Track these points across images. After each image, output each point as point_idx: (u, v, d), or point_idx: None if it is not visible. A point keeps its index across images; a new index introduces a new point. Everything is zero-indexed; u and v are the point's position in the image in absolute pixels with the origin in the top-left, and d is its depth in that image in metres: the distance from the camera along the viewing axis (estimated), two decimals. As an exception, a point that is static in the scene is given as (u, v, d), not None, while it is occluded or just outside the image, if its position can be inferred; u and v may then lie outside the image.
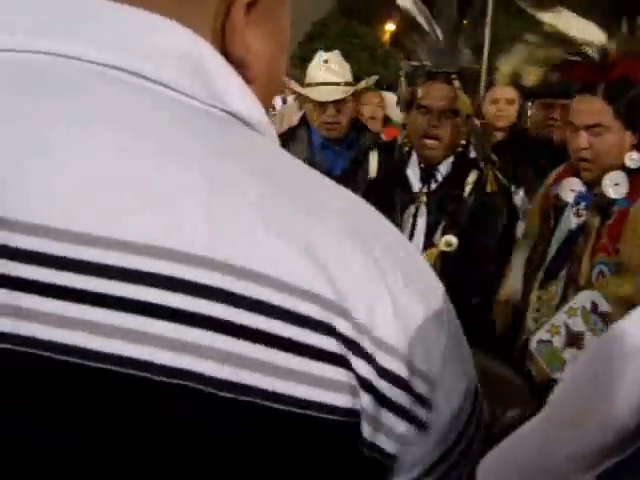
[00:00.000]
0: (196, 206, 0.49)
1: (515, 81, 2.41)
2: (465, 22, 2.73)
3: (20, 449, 0.47)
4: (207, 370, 0.48)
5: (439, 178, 2.58)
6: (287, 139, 3.44)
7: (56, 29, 0.55)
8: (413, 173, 2.61)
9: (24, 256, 0.47)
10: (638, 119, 2.19)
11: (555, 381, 2.03)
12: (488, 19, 17.00)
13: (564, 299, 2.18)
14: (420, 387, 0.54)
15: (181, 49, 0.56)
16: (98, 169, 0.49)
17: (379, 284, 0.53)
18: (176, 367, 0.47)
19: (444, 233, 2.50)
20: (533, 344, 2.10)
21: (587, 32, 2.24)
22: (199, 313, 0.48)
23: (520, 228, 2.73)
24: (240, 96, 0.59)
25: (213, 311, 0.48)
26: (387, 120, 5.04)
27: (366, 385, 0.51)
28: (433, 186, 2.58)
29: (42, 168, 0.48)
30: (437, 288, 0.59)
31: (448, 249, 2.46)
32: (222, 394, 0.48)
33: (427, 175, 2.58)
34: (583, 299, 2.04)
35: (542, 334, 2.08)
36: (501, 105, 4.04)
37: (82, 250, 0.47)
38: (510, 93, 4.00)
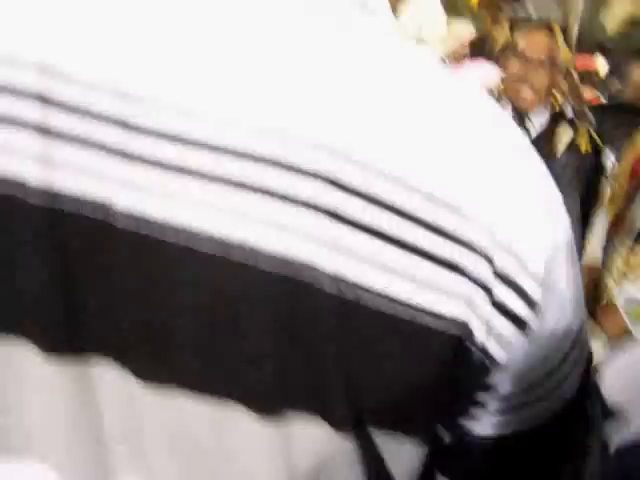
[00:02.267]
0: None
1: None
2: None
3: None
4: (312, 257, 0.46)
5: (532, 132, 2.51)
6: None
7: None
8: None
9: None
10: None
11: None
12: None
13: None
14: (532, 289, 0.51)
15: None
16: None
17: (498, 181, 0.50)
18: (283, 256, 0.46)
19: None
20: (620, 300, 2.04)
21: None
22: (309, 200, 0.45)
23: (607, 191, 2.62)
24: None
25: (323, 197, 0.45)
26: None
27: (481, 286, 0.49)
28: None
29: None
30: (556, 197, 0.56)
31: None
32: (328, 290, 0.46)
33: (519, 124, 2.50)
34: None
35: (631, 291, 2.03)
36: None
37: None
38: None
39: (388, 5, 0.57)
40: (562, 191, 1.90)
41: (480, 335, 0.49)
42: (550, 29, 2.46)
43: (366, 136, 0.47)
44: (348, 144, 0.46)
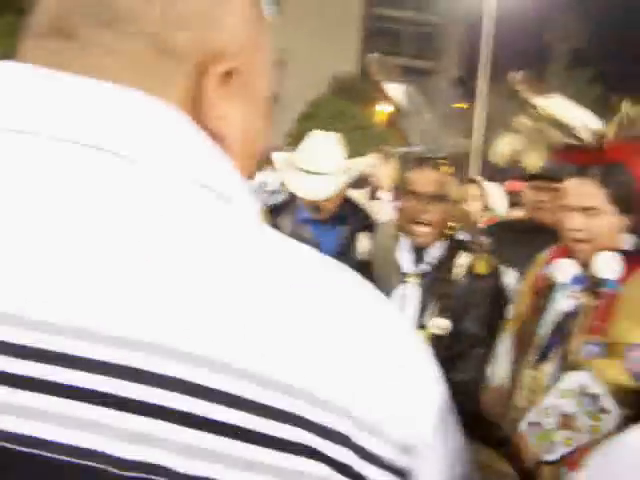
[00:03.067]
0: (165, 297, 0.48)
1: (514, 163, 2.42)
2: (457, 106, 2.79)
3: None
4: (169, 464, 0.46)
5: (430, 261, 2.59)
6: (277, 211, 3.39)
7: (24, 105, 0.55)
8: (403, 255, 2.61)
9: None
10: (630, 204, 2.21)
11: (546, 463, 2.01)
12: (478, 102, 17.50)
13: (556, 379, 2.17)
14: (404, 461, 0.53)
15: (151, 122, 0.55)
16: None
17: (356, 360, 0.52)
18: (135, 460, 0.46)
19: (434, 316, 2.49)
20: (523, 426, 2.07)
21: (580, 117, 2.28)
22: (161, 405, 0.46)
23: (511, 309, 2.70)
24: (221, 170, 0.58)
25: (174, 403, 0.46)
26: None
27: (345, 469, 0.50)
28: (424, 268, 2.58)
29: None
30: (426, 366, 0.58)
31: (438, 332, 2.46)
32: None
33: (417, 258, 2.60)
34: (574, 380, 2.02)
35: (532, 416, 2.06)
36: None
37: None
38: None
39: (247, 190, 0.61)
40: (465, 315, 1.96)
41: None
42: (439, 163, 2.55)
43: (213, 335, 0.48)
44: (201, 346, 0.47)
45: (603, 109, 2.46)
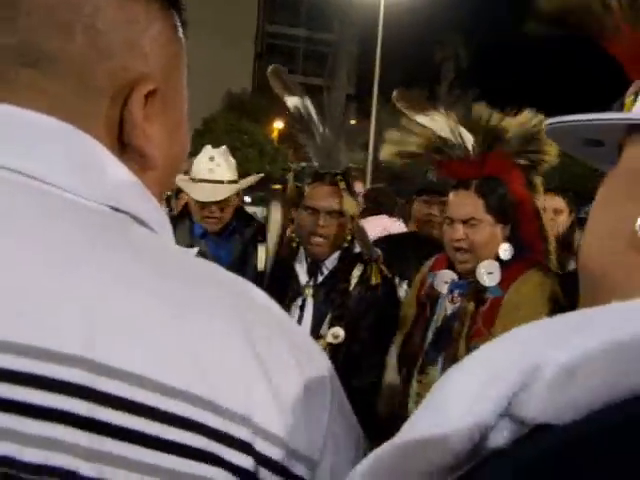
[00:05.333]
0: (77, 308, 0.51)
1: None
2: (351, 122, 2.84)
3: None
4: (72, 467, 0.48)
5: (325, 272, 2.65)
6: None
7: None
8: (300, 266, 2.67)
9: None
10: (507, 214, 2.35)
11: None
12: (372, 119, 17.84)
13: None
14: (300, 470, 0.55)
15: (64, 147, 0.58)
16: None
17: (256, 369, 0.54)
18: (43, 464, 0.48)
19: (330, 325, 2.54)
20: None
21: (458, 133, 2.40)
22: (64, 410, 0.49)
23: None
24: (131, 193, 0.60)
25: (76, 409, 0.49)
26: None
27: (243, 474, 0.52)
28: (320, 279, 2.64)
29: None
30: (322, 369, 0.60)
31: (334, 341, 2.51)
32: None
33: (314, 269, 2.65)
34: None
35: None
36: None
37: None
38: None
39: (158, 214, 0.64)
40: (359, 324, 2.04)
41: None
42: (335, 179, 2.61)
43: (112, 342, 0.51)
44: (110, 356, 0.50)
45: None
